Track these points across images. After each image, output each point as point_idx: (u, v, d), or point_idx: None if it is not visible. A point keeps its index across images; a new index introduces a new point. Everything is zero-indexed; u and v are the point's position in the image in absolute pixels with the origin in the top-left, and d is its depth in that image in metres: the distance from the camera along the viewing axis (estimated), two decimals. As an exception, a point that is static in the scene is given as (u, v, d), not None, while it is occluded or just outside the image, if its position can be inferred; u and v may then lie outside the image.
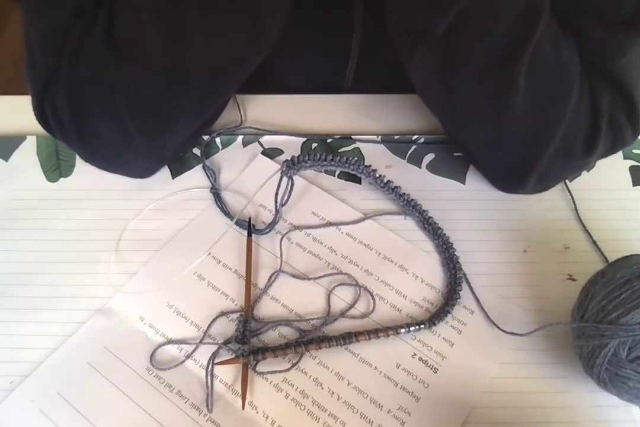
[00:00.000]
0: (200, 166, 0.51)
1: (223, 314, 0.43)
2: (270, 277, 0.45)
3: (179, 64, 0.41)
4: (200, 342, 0.42)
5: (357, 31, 0.53)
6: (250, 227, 0.46)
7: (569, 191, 0.49)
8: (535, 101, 0.40)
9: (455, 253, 0.45)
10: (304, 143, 0.53)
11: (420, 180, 0.50)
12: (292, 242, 0.47)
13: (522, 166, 0.45)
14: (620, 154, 0.51)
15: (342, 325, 0.43)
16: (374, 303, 0.44)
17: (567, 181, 0.49)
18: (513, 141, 0.43)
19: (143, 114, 0.43)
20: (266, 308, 0.44)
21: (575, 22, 0.40)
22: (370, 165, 0.48)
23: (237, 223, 0.47)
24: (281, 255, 0.46)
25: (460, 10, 0.36)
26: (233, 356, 0.40)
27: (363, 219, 0.48)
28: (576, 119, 0.42)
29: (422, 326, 0.42)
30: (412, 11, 0.38)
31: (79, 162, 0.51)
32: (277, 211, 0.45)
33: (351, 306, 0.44)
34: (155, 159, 0.50)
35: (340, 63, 0.57)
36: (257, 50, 0.43)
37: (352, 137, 0.53)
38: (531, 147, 0.43)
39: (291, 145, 0.52)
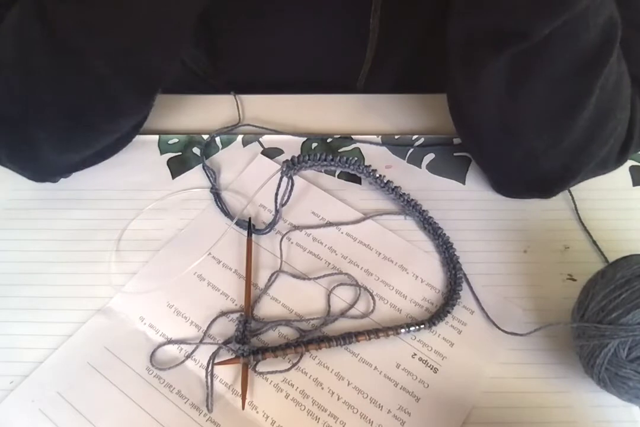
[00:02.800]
0: (200, 166, 0.51)
1: (223, 314, 0.43)
2: (270, 277, 0.45)
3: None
4: (200, 342, 0.42)
5: (373, 33, 0.52)
6: (250, 228, 0.46)
7: (569, 191, 0.49)
8: (599, 112, 0.40)
9: (455, 253, 0.45)
10: (304, 143, 0.53)
11: (420, 181, 0.50)
12: (292, 242, 0.47)
13: (561, 175, 0.44)
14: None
15: (342, 325, 0.43)
16: (374, 303, 0.44)
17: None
18: (563, 150, 0.42)
19: None
20: (266, 308, 0.44)
21: None
22: (370, 165, 0.48)
23: (237, 223, 0.47)
24: (281, 255, 0.46)
25: (568, 17, 0.34)
26: (233, 356, 0.40)
27: (363, 219, 0.48)
28: (622, 129, 0.42)
29: (422, 326, 0.42)
30: (513, 13, 0.35)
31: (79, 162, 0.51)
32: (277, 211, 0.45)
33: (351, 306, 0.44)
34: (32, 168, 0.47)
35: (355, 67, 0.57)
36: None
37: (352, 137, 0.53)
38: (580, 156, 0.43)
39: (291, 145, 0.52)
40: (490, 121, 0.43)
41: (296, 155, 0.45)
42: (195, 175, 0.50)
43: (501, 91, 0.39)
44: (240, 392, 0.40)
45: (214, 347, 0.41)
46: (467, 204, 0.49)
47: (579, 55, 0.36)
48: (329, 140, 0.53)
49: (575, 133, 0.40)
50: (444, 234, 0.46)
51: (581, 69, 0.37)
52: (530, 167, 0.45)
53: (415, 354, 0.42)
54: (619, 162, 0.46)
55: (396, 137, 0.53)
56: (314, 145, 0.53)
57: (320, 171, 0.51)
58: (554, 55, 0.36)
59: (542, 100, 0.39)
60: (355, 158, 0.47)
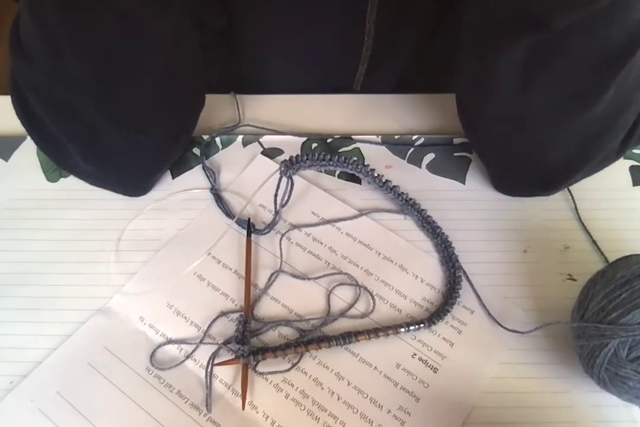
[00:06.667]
0: (200, 166, 0.51)
1: (223, 314, 0.43)
2: (270, 277, 0.45)
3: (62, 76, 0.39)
4: (200, 342, 0.42)
5: (369, 36, 0.52)
6: (249, 228, 0.46)
7: (569, 191, 0.49)
8: (613, 108, 0.39)
9: (455, 251, 0.45)
10: (304, 143, 0.53)
11: (420, 180, 0.50)
12: (292, 242, 0.47)
13: (566, 167, 0.44)
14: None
15: (342, 325, 0.43)
16: (374, 303, 0.44)
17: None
18: (572, 141, 0.41)
19: (57, 116, 0.42)
20: (266, 308, 0.44)
21: None
22: (368, 165, 0.47)
23: (237, 223, 0.47)
24: (281, 255, 0.46)
25: (591, 11, 0.33)
26: (233, 356, 0.40)
27: (358, 216, 0.48)
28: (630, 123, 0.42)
29: (422, 325, 0.42)
30: (535, 1, 0.34)
31: (79, 162, 0.51)
32: (276, 212, 0.45)
33: (351, 306, 0.44)
34: (111, 169, 0.47)
35: (351, 68, 0.57)
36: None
37: (352, 137, 0.53)
38: (588, 149, 0.42)
39: (291, 145, 0.52)
40: (500, 108, 0.42)
41: (295, 155, 0.45)
42: (195, 176, 0.50)
43: (514, 80, 0.39)
44: (240, 392, 0.40)
45: (214, 347, 0.41)
46: (467, 204, 0.49)
47: (599, 51, 0.36)
48: (329, 140, 0.53)
49: (585, 126, 0.40)
50: (443, 233, 0.46)
51: (599, 65, 0.36)
52: (536, 157, 0.44)
53: (415, 354, 0.42)
54: (621, 154, 0.45)
55: (396, 137, 0.53)
56: (314, 145, 0.53)
57: (321, 171, 0.51)
58: (572, 48, 0.36)
59: (555, 92, 0.38)
60: (354, 158, 0.47)
